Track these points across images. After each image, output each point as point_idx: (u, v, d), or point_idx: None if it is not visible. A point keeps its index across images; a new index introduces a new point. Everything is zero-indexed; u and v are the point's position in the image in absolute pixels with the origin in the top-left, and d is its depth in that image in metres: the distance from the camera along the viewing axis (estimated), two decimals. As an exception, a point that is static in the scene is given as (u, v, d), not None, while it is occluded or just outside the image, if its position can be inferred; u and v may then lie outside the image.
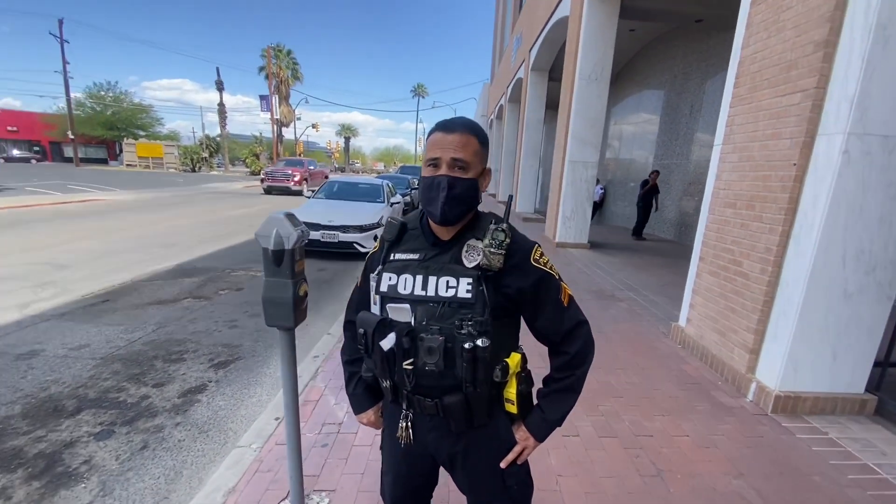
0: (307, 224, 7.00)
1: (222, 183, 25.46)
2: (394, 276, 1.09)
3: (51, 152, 41.68)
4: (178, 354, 3.60)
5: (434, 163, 1.03)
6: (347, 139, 72.29)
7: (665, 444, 2.49)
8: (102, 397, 2.94)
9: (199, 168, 37.62)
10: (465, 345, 1.01)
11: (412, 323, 1.05)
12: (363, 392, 1.29)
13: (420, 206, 1.12)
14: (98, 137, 39.88)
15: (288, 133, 43.78)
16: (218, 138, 40.22)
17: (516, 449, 1.16)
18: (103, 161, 42.10)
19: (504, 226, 1.06)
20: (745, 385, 3.04)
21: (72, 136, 34.12)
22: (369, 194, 8.98)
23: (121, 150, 39.29)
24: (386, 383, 1.14)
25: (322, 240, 7.01)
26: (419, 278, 1.07)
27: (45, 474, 2.22)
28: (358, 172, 55.02)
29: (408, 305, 1.06)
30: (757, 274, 3.00)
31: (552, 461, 2.31)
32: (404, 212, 10.87)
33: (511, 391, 1.11)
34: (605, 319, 4.53)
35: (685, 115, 9.79)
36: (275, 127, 32.16)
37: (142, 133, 41.76)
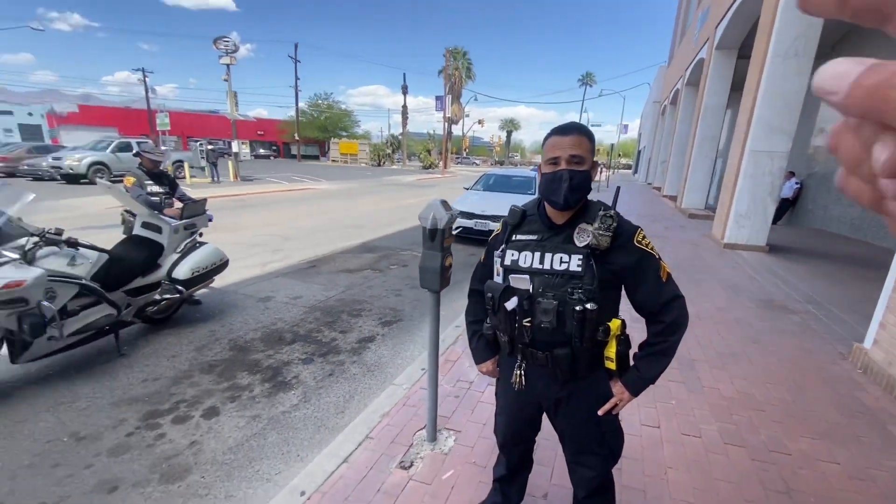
0: (462, 213, 7.87)
1: (400, 176, 28.84)
2: (516, 253, 1.36)
3: (283, 150, 53.13)
4: (357, 311, 4.58)
5: (554, 161, 1.26)
6: (509, 133, 73.48)
7: (805, 465, 2.27)
8: (307, 335, 4.00)
9: (383, 163, 43.16)
10: (576, 307, 1.24)
11: (530, 290, 1.31)
12: (483, 346, 1.60)
13: (541, 196, 1.35)
14: (314, 138, 49.25)
15: (457, 130, 46.84)
16: (399, 136, 45.44)
17: (613, 400, 1.38)
18: (316, 157, 51.75)
19: (612, 212, 1.28)
20: (945, 427, 2.47)
21: (297, 138, 42.94)
22: (521, 186, 9.27)
23: (328, 149, 47.73)
24: (505, 338, 1.42)
25: (475, 228, 7.66)
26: (537, 255, 1.32)
27: (271, 380, 3.23)
28: (516, 165, 55.51)
29: (527, 276, 1.32)
30: (983, 294, 2.39)
31: (664, 454, 2.34)
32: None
33: (611, 350, 1.31)
34: (766, 331, 4.01)
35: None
36: (445, 124, 34.83)
37: (344, 134, 49.89)
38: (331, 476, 2.14)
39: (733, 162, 7.63)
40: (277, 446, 2.52)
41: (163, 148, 17.67)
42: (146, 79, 36.54)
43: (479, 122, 46.48)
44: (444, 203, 2.03)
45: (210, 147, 17.30)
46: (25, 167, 16.00)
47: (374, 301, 4.89)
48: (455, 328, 3.99)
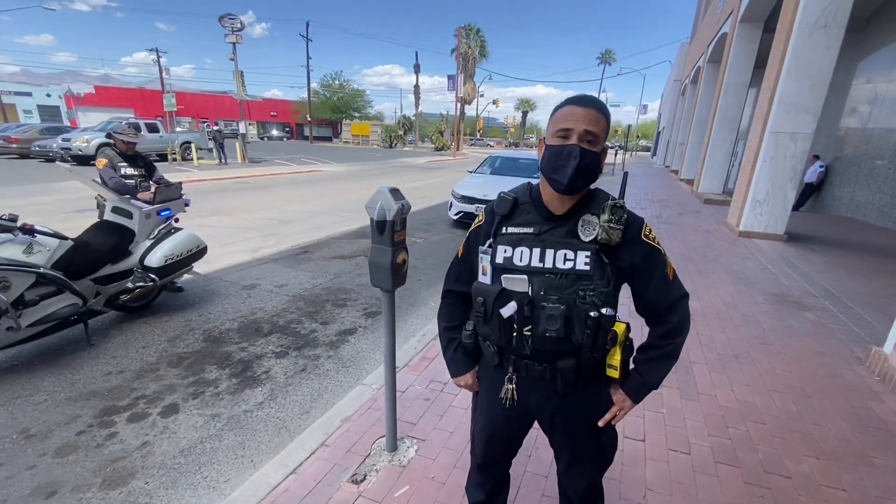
0: (464, 197, 7.56)
1: (410, 158, 28.51)
2: (509, 249, 1.15)
3: (296, 132, 53.02)
4: (342, 301, 4.40)
5: (565, 134, 1.05)
6: (525, 113, 71.91)
7: (807, 493, 2.02)
8: (286, 326, 3.84)
9: (395, 144, 42.73)
10: (590, 313, 1.07)
11: (530, 293, 1.11)
12: (462, 356, 1.37)
13: (542, 173, 1.13)
14: (326, 119, 48.95)
15: (471, 111, 45.95)
16: (412, 117, 44.82)
17: (613, 409, 1.22)
18: (328, 139, 51.57)
19: (621, 202, 1.09)
20: (973, 450, 2.17)
21: (309, 119, 42.73)
22: (528, 169, 8.88)
23: (341, 130, 47.46)
24: (493, 348, 1.22)
25: (476, 213, 7.38)
26: (536, 251, 1.12)
27: (240, 375, 3.07)
28: (531, 147, 54.24)
29: (525, 276, 1.12)
30: None
31: (646, 473, 2.12)
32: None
33: (616, 358, 1.15)
34: (777, 330, 3.69)
35: None
36: (458, 105, 34.13)
37: (356, 115, 49.45)
38: (274, 490, 1.97)
39: (753, 144, 7.14)
40: (232, 449, 2.37)
41: (169, 132, 17.64)
42: (160, 59, 36.60)
43: (494, 102, 45.43)
44: (395, 191, 1.79)
45: (215, 128, 17.21)
46: (37, 148, 16.20)
47: (362, 290, 4.71)
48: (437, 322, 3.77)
